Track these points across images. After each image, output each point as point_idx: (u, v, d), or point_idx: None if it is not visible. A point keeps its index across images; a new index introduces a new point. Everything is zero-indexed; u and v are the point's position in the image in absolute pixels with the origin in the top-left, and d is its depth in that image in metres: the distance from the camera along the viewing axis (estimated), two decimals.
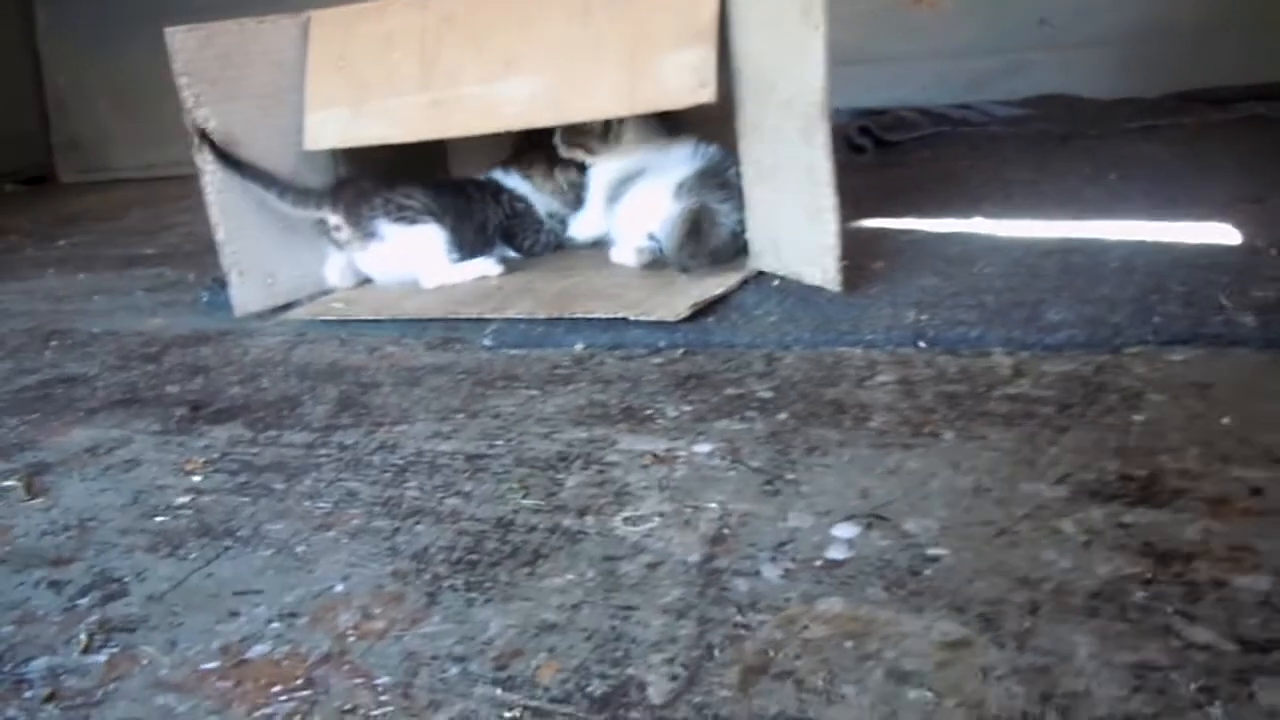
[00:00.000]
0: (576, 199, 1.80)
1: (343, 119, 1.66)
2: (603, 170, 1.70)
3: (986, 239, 1.59)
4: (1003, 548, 0.78)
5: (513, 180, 1.80)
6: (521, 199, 1.79)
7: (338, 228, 1.68)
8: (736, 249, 1.54)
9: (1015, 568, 0.76)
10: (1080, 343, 1.15)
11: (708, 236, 1.50)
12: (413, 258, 1.69)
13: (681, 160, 1.58)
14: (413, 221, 1.66)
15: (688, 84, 1.38)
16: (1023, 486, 0.87)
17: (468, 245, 1.71)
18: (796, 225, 1.38)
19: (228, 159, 1.62)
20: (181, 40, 1.59)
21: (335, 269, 1.75)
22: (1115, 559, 0.75)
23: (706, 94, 1.37)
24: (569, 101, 1.50)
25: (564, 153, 1.73)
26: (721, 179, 1.54)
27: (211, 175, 1.62)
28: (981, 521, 0.82)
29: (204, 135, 1.59)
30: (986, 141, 2.45)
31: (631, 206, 1.63)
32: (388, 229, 1.66)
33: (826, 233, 1.32)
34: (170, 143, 2.11)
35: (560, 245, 1.83)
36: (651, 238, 1.58)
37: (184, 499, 1.04)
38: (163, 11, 1.93)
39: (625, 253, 1.64)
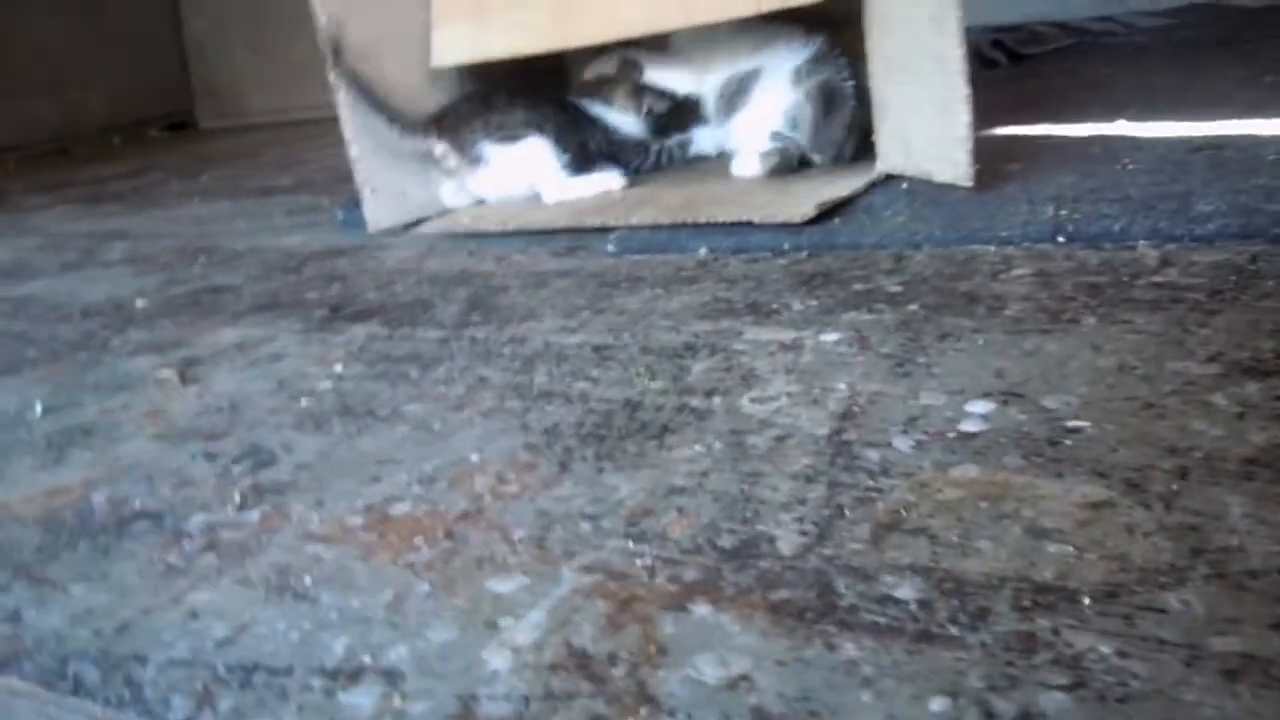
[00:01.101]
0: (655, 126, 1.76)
1: (468, 34, 1.68)
2: (710, 78, 1.66)
3: (1130, 140, 1.51)
4: (1148, 420, 0.75)
5: (598, 108, 1.76)
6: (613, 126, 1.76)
7: (445, 156, 1.70)
8: (863, 134, 1.51)
9: (1162, 438, 0.73)
10: (1233, 233, 1.09)
11: (841, 110, 1.48)
12: (523, 174, 1.69)
13: (792, 51, 1.55)
14: (515, 139, 1.66)
15: None
16: (1170, 365, 0.84)
17: (575, 157, 1.69)
18: (926, 119, 1.34)
19: (356, 78, 1.65)
20: None
21: (449, 191, 1.77)
22: (1271, 429, 0.72)
23: None
24: (695, 2, 1.47)
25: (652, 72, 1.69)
26: (836, 63, 1.51)
27: (345, 92, 1.66)
28: (1125, 397, 0.79)
29: (337, 51, 1.63)
30: (1129, 52, 2.33)
31: (750, 110, 1.60)
32: (492, 150, 1.67)
33: (958, 124, 1.27)
34: (303, 86, 2.15)
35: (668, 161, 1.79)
36: (775, 136, 1.56)
37: (326, 384, 1.08)
38: None
39: (748, 162, 1.61)
